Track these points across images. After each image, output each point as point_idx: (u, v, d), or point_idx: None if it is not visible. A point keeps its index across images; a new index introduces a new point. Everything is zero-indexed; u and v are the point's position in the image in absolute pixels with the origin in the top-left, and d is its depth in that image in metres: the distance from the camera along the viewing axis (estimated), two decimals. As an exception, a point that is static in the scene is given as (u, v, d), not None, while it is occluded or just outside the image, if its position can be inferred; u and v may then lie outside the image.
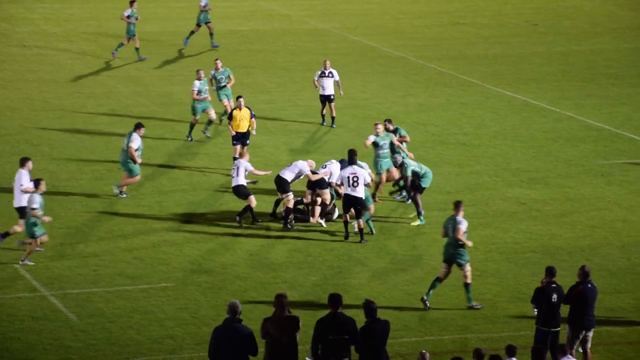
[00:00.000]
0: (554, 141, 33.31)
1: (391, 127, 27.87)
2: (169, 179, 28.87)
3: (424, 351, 17.07)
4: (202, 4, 42.96)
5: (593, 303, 19.30)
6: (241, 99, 29.37)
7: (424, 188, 26.33)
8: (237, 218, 25.89)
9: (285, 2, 54.28)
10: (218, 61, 33.79)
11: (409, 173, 26.28)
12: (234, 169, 26.16)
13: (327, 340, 16.69)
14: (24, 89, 37.47)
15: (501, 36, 47.99)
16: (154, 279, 22.88)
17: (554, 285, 19.38)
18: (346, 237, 25.22)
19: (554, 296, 19.30)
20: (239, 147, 29.03)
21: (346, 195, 25.27)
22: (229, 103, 33.08)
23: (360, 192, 25.25)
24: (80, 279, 22.71)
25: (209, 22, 43.10)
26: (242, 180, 25.94)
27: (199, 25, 43.12)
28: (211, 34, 43.50)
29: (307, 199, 26.28)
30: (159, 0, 53.39)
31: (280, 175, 26.18)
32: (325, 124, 33.81)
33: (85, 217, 26.14)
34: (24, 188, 23.95)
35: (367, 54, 44.36)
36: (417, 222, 26.29)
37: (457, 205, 21.88)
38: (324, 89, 33.30)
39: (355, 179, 25.21)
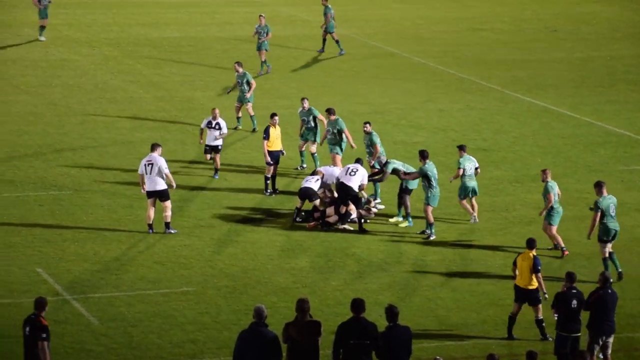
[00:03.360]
0: (573, 147, 33.16)
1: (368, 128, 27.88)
2: (189, 183, 28.84)
3: (438, 357, 16.98)
4: (332, 12, 43.45)
5: (613, 309, 19.17)
6: (276, 117, 28.90)
7: (412, 190, 26.30)
8: (297, 218, 26.05)
9: (306, 8, 54.26)
10: (237, 65, 33.83)
11: (389, 170, 26.21)
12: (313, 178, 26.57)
13: (349, 345, 16.63)
14: (47, 94, 37.56)
15: (520, 42, 47.84)
16: (175, 283, 22.86)
17: (574, 291, 19.27)
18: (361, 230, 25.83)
19: (574, 302, 19.18)
20: (272, 168, 28.23)
21: (340, 183, 25.80)
22: (240, 106, 33.51)
23: (354, 183, 25.88)
24: (101, 283, 22.70)
25: (333, 32, 43.78)
26: (313, 184, 26.35)
27: (328, 32, 43.71)
28: (337, 41, 43.94)
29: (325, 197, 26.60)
30: (179, 6, 53.46)
31: (306, 186, 26.35)
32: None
33: (106, 221, 26.14)
34: (167, 171, 24.98)
35: (387, 60, 44.29)
36: (405, 224, 26.27)
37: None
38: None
39: (355, 170, 26.09)
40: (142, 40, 45.84)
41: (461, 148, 26.63)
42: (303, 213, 26.37)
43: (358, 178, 26.10)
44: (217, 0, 55.47)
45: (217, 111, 29.31)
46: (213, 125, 29.16)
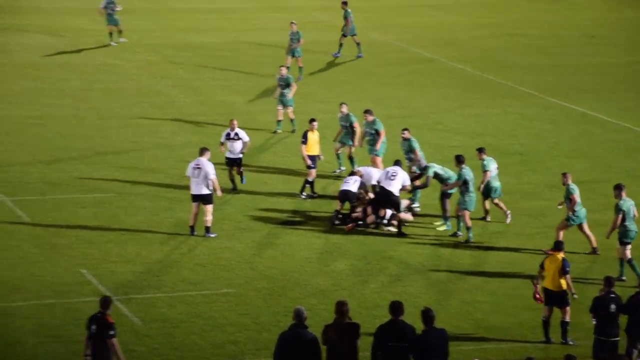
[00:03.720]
0: (611, 152, 32.96)
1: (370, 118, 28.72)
2: (229, 186, 28.88)
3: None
4: (351, 16, 43.77)
5: (652, 313, 19.03)
6: (315, 122, 28.89)
7: (450, 194, 26.24)
8: (336, 221, 26.03)
9: (340, 14, 54.23)
10: (282, 68, 34.22)
11: (431, 174, 26.21)
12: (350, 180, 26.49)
13: (387, 347, 16.62)
14: (90, 98, 37.80)
15: (558, 47, 47.62)
16: (216, 285, 22.93)
17: (612, 295, 19.16)
18: (400, 233, 25.72)
19: (612, 306, 19.07)
20: (314, 171, 28.27)
21: (380, 187, 25.90)
22: (282, 110, 33.64)
23: (394, 187, 25.78)
24: (144, 285, 22.82)
25: (355, 34, 44.12)
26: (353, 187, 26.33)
27: (350, 35, 43.92)
28: (358, 44, 44.21)
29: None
30: (218, 12, 53.66)
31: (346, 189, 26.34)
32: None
33: (148, 223, 26.26)
34: (212, 178, 25.00)
35: (424, 65, 44.24)
36: (443, 227, 26.23)
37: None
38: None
39: (394, 173, 25.98)
40: (182, 46, 46.03)
41: (481, 150, 26.64)
42: (341, 215, 26.38)
43: (398, 182, 26.06)
44: (254, 7, 55.61)
45: (235, 122, 28.40)
46: (232, 137, 28.31)
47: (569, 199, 24.69)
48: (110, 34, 45.14)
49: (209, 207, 25.25)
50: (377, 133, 29.01)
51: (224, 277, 23.33)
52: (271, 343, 17.16)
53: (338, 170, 30.25)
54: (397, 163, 26.70)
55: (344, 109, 30.05)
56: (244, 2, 56.59)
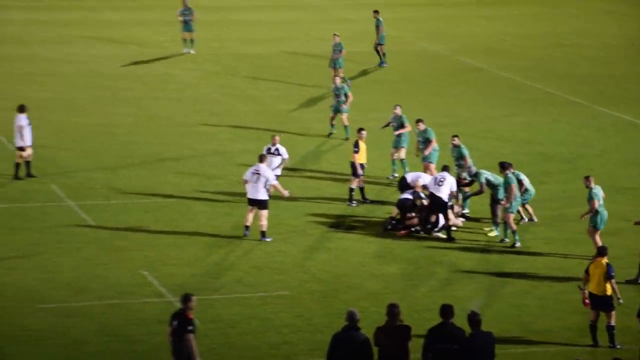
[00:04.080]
0: (658, 160, 32.64)
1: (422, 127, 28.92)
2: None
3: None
4: (382, 26, 44.19)
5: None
6: (364, 132, 28.70)
7: (501, 199, 26.09)
8: (388, 226, 26.07)
9: (396, 25, 54.25)
10: (337, 78, 34.48)
11: (483, 180, 26.10)
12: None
13: (437, 350, 16.58)
14: (151, 106, 38.12)
15: (606, 57, 47.21)
16: (271, 287, 23.01)
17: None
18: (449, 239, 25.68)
19: (659, 311, 18.87)
20: (360, 179, 28.14)
21: (430, 193, 25.82)
22: (334, 116, 33.97)
23: (443, 193, 25.68)
24: (201, 286, 22.94)
25: (382, 44, 44.38)
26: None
27: (379, 44, 44.26)
28: (383, 54, 44.48)
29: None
30: (276, 24, 53.87)
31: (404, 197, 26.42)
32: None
33: (206, 228, 26.41)
34: (274, 183, 25.22)
35: (474, 75, 44.07)
36: (493, 233, 26.10)
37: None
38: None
39: (442, 179, 25.85)
40: (240, 56, 46.28)
41: (510, 165, 26.02)
42: (394, 222, 26.36)
43: (447, 187, 26.02)
44: (311, 18, 55.76)
45: (277, 138, 28.04)
46: (272, 152, 27.89)
47: (590, 203, 24.52)
48: (184, 40, 45.65)
49: (265, 212, 25.36)
50: (428, 141, 28.99)
51: (279, 280, 23.40)
52: (324, 344, 17.19)
53: (392, 177, 30.24)
54: (445, 169, 26.63)
55: (398, 110, 30.32)
56: (301, 14, 56.77)
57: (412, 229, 26.18)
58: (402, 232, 26.18)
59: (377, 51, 44.60)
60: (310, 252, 25.09)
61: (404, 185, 26.92)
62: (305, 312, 21.76)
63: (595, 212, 24.36)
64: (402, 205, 26.29)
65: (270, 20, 54.56)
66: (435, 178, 26.27)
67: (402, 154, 30.19)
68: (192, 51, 45.87)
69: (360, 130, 28.78)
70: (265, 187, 25.32)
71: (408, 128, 30.16)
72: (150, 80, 41.83)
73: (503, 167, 25.73)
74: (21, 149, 29.19)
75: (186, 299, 17.57)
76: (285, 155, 28.15)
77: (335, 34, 40.98)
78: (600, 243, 24.25)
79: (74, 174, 30.18)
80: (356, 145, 28.30)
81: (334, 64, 40.46)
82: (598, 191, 24.55)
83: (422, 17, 56.75)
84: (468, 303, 21.98)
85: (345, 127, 34.04)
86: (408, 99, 39.69)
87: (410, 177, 27.09)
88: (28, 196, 28.25)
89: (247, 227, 25.56)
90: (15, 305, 21.71)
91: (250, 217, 25.47)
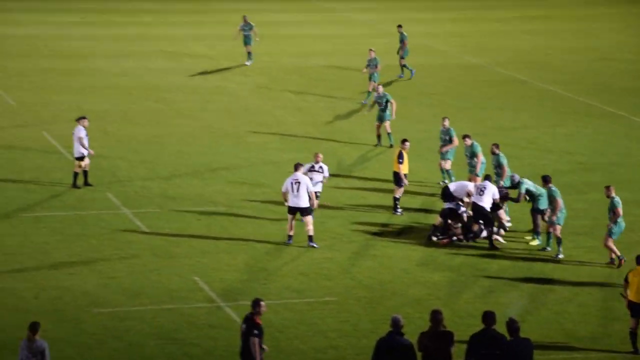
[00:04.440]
0: (698, 170, 32.22)
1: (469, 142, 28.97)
2: (331, 200, 28.98)
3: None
4: (406, 40, 44.41)
5: None
6: (407, 143, 28.60)
7: (542, 209, 25.88)
8: (432, 236, 25.97)
9: (442, 39, 54.18)
10: (379, 87, 34.67)
11: (523, 190, 25.97)
12: (482, 191, 25.87)
13: (480, 355, 16.47)
14: (204, 118, 38.32)
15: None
16: (318, 293, 23.00)
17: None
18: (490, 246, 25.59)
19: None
20: (402, 189, 28.18)
21: (473, 203, 25.80)
22: (379, 125, 34.18)
23: (486, 202, 25.63)
24: (251, 291, 22.98)
25: (404, 58, 44.64)
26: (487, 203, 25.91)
27: (402, 57, 44.46)
28: (404, 66, 44.74)
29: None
30: (325, 38, 53.97)
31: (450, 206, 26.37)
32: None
33: (256, 235, 26.47)
34: (312, 190, 25.22)
35: (518, 87, 43.85)
36: (535, 242, 25.91)
37: None
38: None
39: (484, 188, 25.72)
40: (290, 69, 46.41)
41: (546, 180, 25.77)
42: (439, 234, 26.20)
43: (488, 196, 25.91)
44: (358, 33, 55.80)
45: (320, 156, 27.41)
46: (316, 169, 27.24)
47: (612, 211, 24.31)
48: (249, 53, 46.38)
49: (309, 218, 25.39)
50: (475, 155, 28.83)
51: (326, 286, 23.39)
52: (370, 349, 17.15)
53: (442, 182, 30.21)
54: (487, 178, 26.51)
55: (446, 123, 30.30)
56: (349, 29, 56.84)
57: (455, 238, 26.05)
58: (445, 240, 26.06)
59: (403, 65, 44.59)
60: (355, 259, 25.06)
61: (447, 194, 26.80)
62: (351, 318, 21.73)
63: (615, 221, 24.22)
64: (445, 214, 26.17)
65: (318, 35, 54.67)
66: (477, 187, 26.15)
67: (448, 165, 30.14)
68: (247, 63, 46.46)
69: (404, 141, 28.70)
70: (306, 194, 25.27)
71: (455, 143, 29.93)
72: (203, 92, 42.06)
73: (545, 180, 25.54)
74: (80, 158, 29.47)
75: (255, 303, 17.60)
76: (327, 174, 27.73)
77: (370, 49, 40.91)
78: (616, 251, 24.05)
79: (129, 183, 30.40)
80: (400, 156, 28.20)
81: (370, 78, 40.36)
82: (619, 200, 24.42)
83: (467, 31, 56.58)
84: (508, 308, 21.83)
85: (389, 134, 34.16)
86: (453, 110, 39.55)
87: (453, 186, 26.96)
88: (85, 204, 28.49)
89: (290, 237, 25.59)
90: (73, 309, 21.90)
91: (292, 225, 25.49)
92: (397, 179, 28.03)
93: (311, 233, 25.46)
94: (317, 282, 23.62)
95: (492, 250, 25.64)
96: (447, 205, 26.40)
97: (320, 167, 27.55)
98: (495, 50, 51.42)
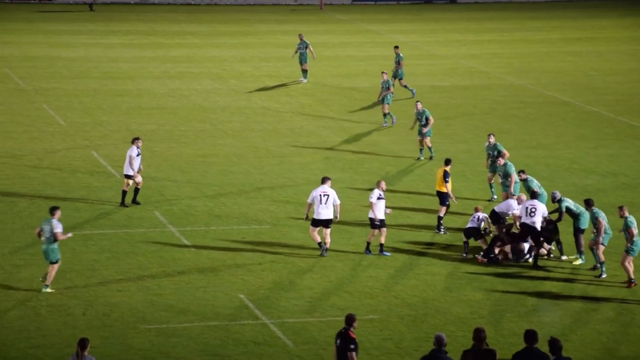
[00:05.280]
0: None
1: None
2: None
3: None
4: (402, 61, 44.62)
5: None
6: (450, 162, 28.98)
7: (584, 229, 25.73)
8: (463, 254, 26.13)
9: (484, 60, 54.09)
10: (418, 103, 35.12)
11: (564, 208, 25.94)
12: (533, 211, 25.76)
13: (522, 373, 16.39)
14: (249, 138, 38.52)
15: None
16: (362, 310, 23.00)
17: None
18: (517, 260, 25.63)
19: None
20: (445, 208, 28.18)
21: (522, 223, 25.64)
22: (421, 139, 34.75)
23: (537, 222, 25.53)
24: (296, 309, 23.05)
25: (401, 79, 44.79)
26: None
27: (399, 78, 44.54)
28: (405, 86, 44.75)
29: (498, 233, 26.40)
30: (368, 59, 54.08)
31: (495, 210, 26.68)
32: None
33: (300, 253, 26.55)
34: (339, 203, 25.87)
35: (561, 108, 43.65)
36: (578, 262, 25.74)
37: None
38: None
39: (534, 208, 25.61)
40: (334, 90, 46.54)
41: (588, 203, 25.70)
42: (482, 253, 26.17)
43: (539, 215, 25.81)
44: (404, 54, 55.77)
45: (383, 183, 26.48)
46: (382, 197, 26.32)
47: (627, 231, 24.28)
48: (305, 71, 47.48)
49: (329, 230, 25.91)
50: (509, 175, 28.92)
51: (369, 304, 23.39)
52: (412, 366, 17.15)
53: (492, 199, 30.37)
54: (534, 196, 26.40)
55: (492, 139, 30.54)
56: (393, 50, 56.89)
57: (492, 257, 25.93)
58: (484, 259, 25.98)
59: (405, 85, 44.64)
60: (399, 277, 25.04)
61: (494, 216, 26.83)
62: (394, 335, 21.71)
63: (632, 241, 24.21)
64: (469, 233, 26.26)
65: (362, 56, 54.79)
66: (527, 208, 25.96)
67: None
68: (303, 80, 47.31)
69: (448, 161, 28.68)
70: (333, 206, 25.76)
71: (506, 155, 29.91)
72: (248, 112, 42.29)
73: (588, 204, 25.42)
74: (128, 177, 29.77)
75: (350, 319, 17.78)
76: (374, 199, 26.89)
77: (383, 72, 40.79)
78: (630, 270, 24.12)
79: (176, 202, 30.62)
80: (446, 175, 28.21)
81: (382, 100, 40.12)
82: (633, 220, 24.42)
83: (510, 53, 56.43)
84: (550, 328, 21.71)
85: (429, 147, 34.65)
86: (495, 131, 39.34)
87: (498, 208, 26.99)
88: (133, 222, 28.73)
89: (321, 244, 26.02)
90: (121, 325, 22.07)
91: (317, 235, 25.93)
92: (443, 198, 28.04)
93: (328, 244, 25.89)
94: (360, 299, 23.63)
95: (536, 270, 25.51)
96: (468, 225, 26.40)
97: (383, 192, 26.65)
98: (538, 71, 51.24)
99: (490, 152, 30.47)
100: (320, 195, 25.81)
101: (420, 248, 26.99)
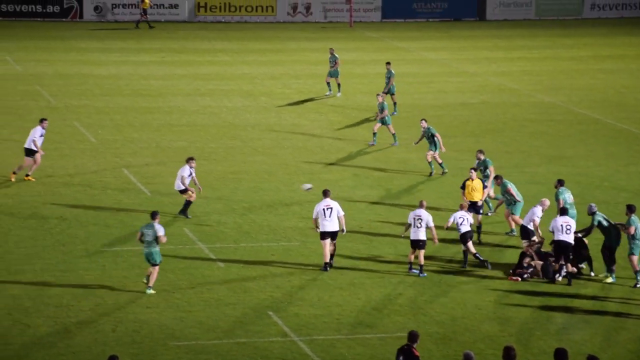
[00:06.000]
0: None
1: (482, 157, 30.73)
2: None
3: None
4: (393, 77, 44.84)
5: None
6: (473, 172, 29.44)
7: (615, 247, 25.62)
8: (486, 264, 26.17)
9: (514, 78, 53.94)
10: (423, 121, 35.92)
11: (595, 223, 25.84)
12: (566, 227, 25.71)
13: (551, 392, 16.27)
14: (279, 155, 38.58)
15: None
16: (391, 328, 22.94)
17: None
18: (568, 282, 25.38)
19: None
20: (471, 215, 28.48)
21: (558, 241, 25.47)
22: (433, 154, 35.39)
23: (572, 239, 25.50)
24: (324, 326, 23.02)
25: (393, 94, 45.04)
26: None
27: (390, 93, 44.75)
28: (395, 103, 44.97)
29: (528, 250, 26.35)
30: (399, 76, 53.95)
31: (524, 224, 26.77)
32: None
33: (329, 270, 26.50)
34: (343, 214, 25.97)
35: (591, 126, 43.44)
36: (609, 279, 25.59)
37: None
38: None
39: (569, 226, 25.55)
40: (363, 106, 46.51)
41: (592, 211, 25.98)
42: (511, 271, 26.06)
43: (572, 234, 25.74)
44: (433, 71, 55.81)
45: (424, 205, 26.42)
46: (422, 217, 26.08)
47: (626, 228, 25.08)
48: (338, 84, 47.98)
49: (335, 243, 26.04)
50: (506, 192, 28.89)
51: (398, 322, 23.32)
52: (441, 384, 17.07)
53: (492, 212, 30.68)
54: (563, 212, 26.22)
55: (481, 156, 31.00)
56: (423, 67, 56.87)
57: (525, 276, 25.79)
58: (515, 277, 25.86)
59: (394, 102, 44.72)
60: (428, 294, 24.95)
61: (523, 232, 26.78)
62: (423, 353, 21.58)
63: (633, 239, 24.92)
64: (465, 238, 26.25)
65: (395, 73, 54.73)
66: (562, 226, 25.68)
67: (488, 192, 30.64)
68: (338, 94, 47.91)
69: (471, 169, 29.58)
70: (338, 218, 26.04)
71: (492, 175, 30.26)
72: (278, 129, 42.38)
73: (630, 210, 25.56)
74: (182, 192, 30.32)
75: (413, 336, 17.86)
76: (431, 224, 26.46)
77: (379, 94, 40.66)
78: (637, 266, 24.55)
79: (205, 218, 30.70)
80: (463, 185, 29.12)
81: (382, 122, 39.84)
82: (635, 219, 25.16)
83: (540, 70, 56.25)
84: (580, 347, 21.54)
85: (440, 164, 35.08)
86: (525, 147, 39.30)
87: (526, 222, 26.97)
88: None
89: (330, 264, 26.12)
90: (150, 342, 22.13)
91: (328, 251, 25.99)
92: (479, 208, 28.85)
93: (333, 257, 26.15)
94: (389, 317, 23.57)
95: (566, 287, 25.35)
96: (464, 229, 26.41)
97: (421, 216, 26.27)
98: (568, 88, 51.03)
99: (482, 169, 30.94)
100: (323, 209, 26.09)
101: (449, 265, 26.88)
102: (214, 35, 67.58)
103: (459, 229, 26.55)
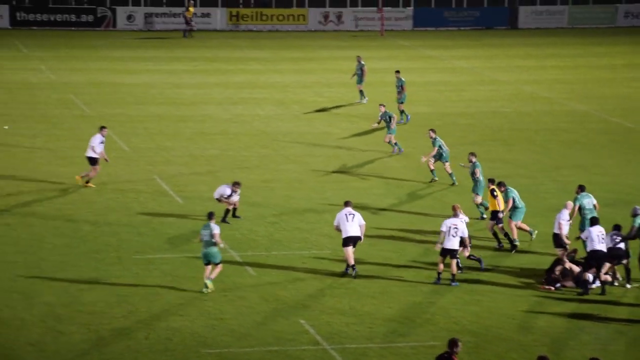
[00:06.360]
0: None
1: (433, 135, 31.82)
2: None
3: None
4: (404, 85, 44.86)
5: None
6: (492, 184, 29.36)
7: None
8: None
9: (547, 86, 53.69)
10: (431, 131, 35.86)
11: (637, 225, 25.84)
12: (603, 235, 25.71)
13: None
14: (310, 163, 38.57)
15: None
16: (423, 337, 22.84)
17: None
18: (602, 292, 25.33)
19: None
20: (493, 223, 28.44)
21: (593, 250, 25.33)
22: (445, 164, 35.49)
23: (605, 247, 25.44)
24: (356, 335, 22.95)
25: (402, 103, 45.00)
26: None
27: (400, 102, 44.91)
28: (402, 112, 44.95)
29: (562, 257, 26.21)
30: (430, 85, 53.99)
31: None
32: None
33: (360, 279, 26.44)
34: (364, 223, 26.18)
35: (625, 135, 43.13)
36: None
37: None
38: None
39: (602, 235, 25.41)
40: (395, 115, 46.40)
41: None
42: (543, 280, 25.90)
43: (606, 242, 25.64)
44: (464, 79, 55.66)
45: (460, 212, 26.35)
46: (457, 227, 26.05)
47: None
48: (360, 92, 48.15)
49: (355, 248, 26.29)
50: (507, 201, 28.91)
51: (430, 330, 23.21)
52: (474, 394, 16.95)
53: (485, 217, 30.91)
54: (595, 222, 25.96)
55: (473, 159, 31.19)
56: (454, 76, 56.74)
57: (557, 285, 25.59)
58: (547, 286, 25.67)
59: (402, 110, 44.56)
60: (460, 303, 24.82)
61: (556, 240, 26.63)
62: (455, 363, 21.47)
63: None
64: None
65: (423, 82, 54.67)
66: (598, 236, 25.50)
67: (478, 199, 30.89)
68: (364, 100, 48.17)
69: (490, 181, 29.22)
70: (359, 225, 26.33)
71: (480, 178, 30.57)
72: (310, 137, 42.38)
73: None
74: (219, 200, 30.83)
75: (453, 343, 17.74)
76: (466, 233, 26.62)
77: (381, 105, 40.50)
78: None
79: (237, 226, 30.72)
80: (492, 192, 28.97)
81: (388, 131, 39.78)
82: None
83: (573, 79, 55.96)
84: (614, 357, 21.34)
85: (450, 174, 35.11)
86: (557, 156, 39.07)
87: (555, 229, 26.82)
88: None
89: (353, 267, 26.17)
90: (183, 350, 22.15)
91: (351, 255, 26.04)
92: (494, 215, 28.73)
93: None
94: (421, 326, 23.46)
95: (600, 296, 25.13)
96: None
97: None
98: (601, 97, 50.71)
99: (471, 173, 31.30)
100: (345, 215, 26.40)
101: (481, 274, 26.73)
102: (246, 44, 67.77)
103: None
